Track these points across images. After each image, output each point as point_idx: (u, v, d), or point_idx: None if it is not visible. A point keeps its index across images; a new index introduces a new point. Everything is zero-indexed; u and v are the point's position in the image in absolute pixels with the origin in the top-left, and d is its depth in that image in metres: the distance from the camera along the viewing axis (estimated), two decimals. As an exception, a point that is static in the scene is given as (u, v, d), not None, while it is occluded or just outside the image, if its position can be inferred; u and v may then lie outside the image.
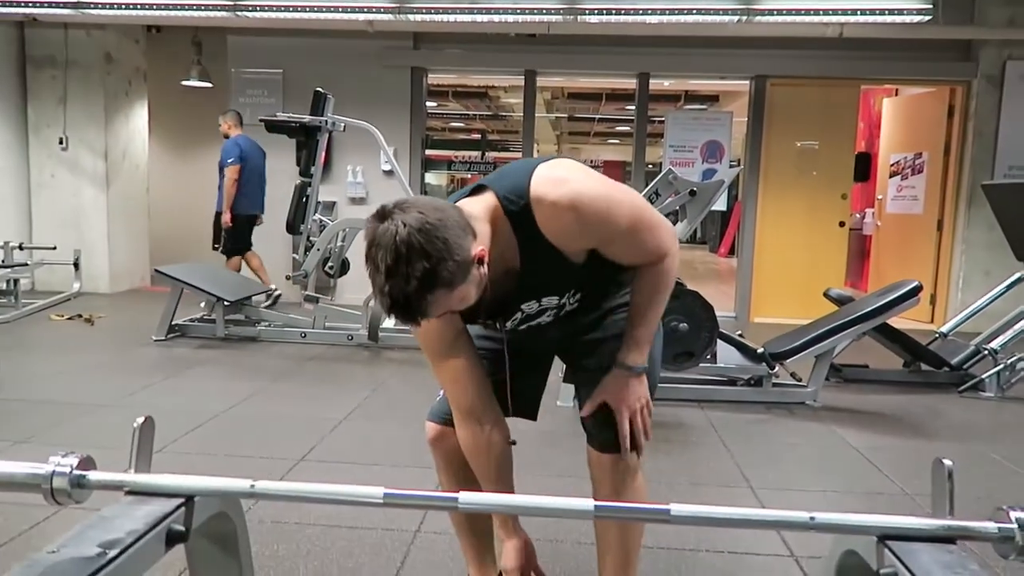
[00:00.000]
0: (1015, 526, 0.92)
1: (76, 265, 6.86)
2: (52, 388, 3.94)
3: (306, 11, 6.23)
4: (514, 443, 1.63)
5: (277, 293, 6.35)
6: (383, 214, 1.23)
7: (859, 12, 5.74)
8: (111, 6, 6.24)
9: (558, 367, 1.82)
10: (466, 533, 1.79)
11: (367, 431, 3.41)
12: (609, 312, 1.64)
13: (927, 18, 5.72)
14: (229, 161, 6.32)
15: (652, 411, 1.59)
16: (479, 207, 1.37)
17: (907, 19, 5.77)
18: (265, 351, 5.03)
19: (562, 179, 1.38)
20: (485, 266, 1.29)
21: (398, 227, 1.19)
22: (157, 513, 0.97)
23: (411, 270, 1.18)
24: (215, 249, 6.63)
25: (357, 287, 6.24)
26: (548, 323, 1.60)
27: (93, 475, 1.02)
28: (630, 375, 1.54)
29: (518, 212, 1.37)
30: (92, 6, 6.26)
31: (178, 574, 1.92)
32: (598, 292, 1.61)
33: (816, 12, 5.77)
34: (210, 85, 7.86)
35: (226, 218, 6.36)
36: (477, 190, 1.42)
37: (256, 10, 6.19)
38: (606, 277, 1.58)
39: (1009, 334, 4.49)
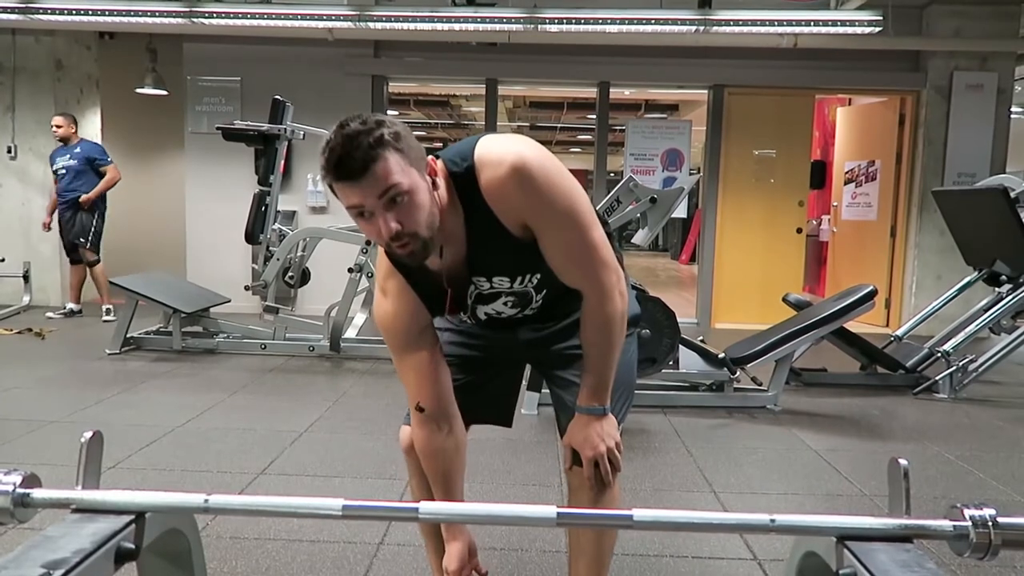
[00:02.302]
0: (969, 524, 0.94)
1: (26, 277, 6.67)
2: None
3: (264, 19, 6.14)
4: None
5: (76, 309, 6.53)
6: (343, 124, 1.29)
7: (813, 23, 5.87)
8: (61, 12, 6.07)
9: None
10: (433, 539, 1.77)
11: (329, 443, 3.35)
12: (578, 322, 1.63)
13: (877, 29, 5.87)
14: (110, 161, 6.39)
15: (622, 448, 1.54)
16: None
17: (858, 30, 5.92)
18: (224, 363, 4.94)
19: (508, 143, 1.38)
20: (442, 189, 1.34)
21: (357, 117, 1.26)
22: (105, 531, 0.94)
23: (366, 121, 1.24)
24: (81, 263, 6.44)
25: (318, 297, 6.16)
26: (516, 319, 1.58)
27: (38, 493, 0.99)
28: (591, 417, 1.51)
29: (462, 174, 1.36)
30: (41, 12, 6.09)
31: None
32: (561, 293, 1.55)
33: (771, 23, 5.88)
34: (165, 93, 7.71)
35: (85, 197, 6.21)
36: None
37: (212, 17, 6.08)
38: None
39: (961, 336, 4.60)
